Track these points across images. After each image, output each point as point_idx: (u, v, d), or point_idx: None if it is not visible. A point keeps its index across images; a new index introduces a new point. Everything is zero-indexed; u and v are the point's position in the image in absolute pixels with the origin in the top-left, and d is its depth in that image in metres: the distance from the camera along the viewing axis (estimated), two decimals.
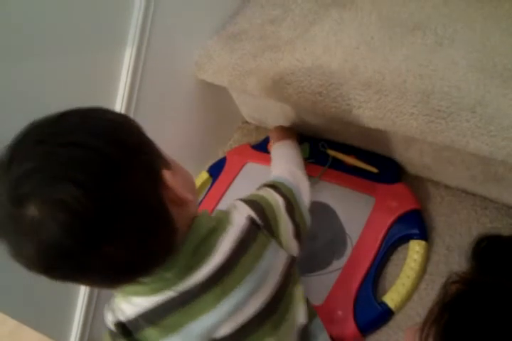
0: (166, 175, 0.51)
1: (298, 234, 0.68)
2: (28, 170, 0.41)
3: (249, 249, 0.60)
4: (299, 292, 0.68)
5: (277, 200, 0.68)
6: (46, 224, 0.39)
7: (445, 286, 0.37)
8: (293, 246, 0.67)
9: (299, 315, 0.68)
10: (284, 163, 0.87)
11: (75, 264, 0.42)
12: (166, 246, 0.51)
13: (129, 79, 0.88)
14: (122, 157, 0.45)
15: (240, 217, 0.62)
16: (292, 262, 0.66)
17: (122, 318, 0.59)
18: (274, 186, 0.73)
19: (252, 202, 0.66)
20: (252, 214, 0.63)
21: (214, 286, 0.56)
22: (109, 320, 0.60)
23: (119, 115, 0.57)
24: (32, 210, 0.39)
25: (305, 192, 0.76)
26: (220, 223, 0.60)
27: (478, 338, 0.32)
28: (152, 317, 0.57)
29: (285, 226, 0.66)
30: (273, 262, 0.63)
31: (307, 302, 0.71)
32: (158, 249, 0.50)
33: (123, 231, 0.43)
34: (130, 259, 0.46)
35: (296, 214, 0.69)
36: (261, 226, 0.62)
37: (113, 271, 0.46)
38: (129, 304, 0.58)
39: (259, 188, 0.75)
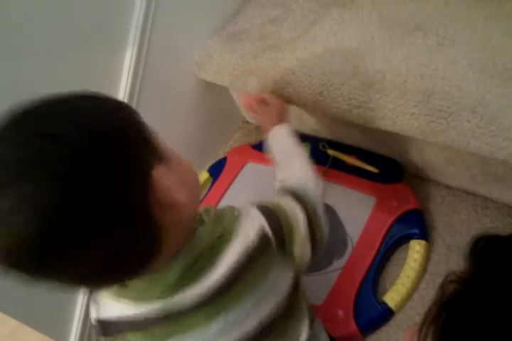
0: (159, 172, 0.45)
1: (315, 251, 0.60)
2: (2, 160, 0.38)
3: (255, 266, 0.52)
4: (303, 308, 0.63)
5: (297, 216, 0.58)
6: (15, 217, 0.37)
7: (443, 286, 0.37)
8: (305, 263, 0.60)
9: (302, 331, 0.62)
10: (299, 162, 0.75)
11: (41, 261, 0.39)
12: (143, 257, 0.45)
13: (129, 79, 0.88)
14: (100, 152, 0.40)
15: (251, 227, 0.53)
16: (299, 281, 0.60)
17: (104, 316, 0.54)
18: (296, 195, 0.63)
19: (268, 212, 0.56)
20: (266, 226, 0.54)
21: (207, 306, 0.50)
22: (92, 313, 0.56)
23: (112, 102, 0.51)
24: (3, 201, 0.37)
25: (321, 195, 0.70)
26: (226, 233, 0.53)
27: (476, 337, 0.32)
28: (135, 324, 0.52)
29: (301, 245, 0.58)
30: (278, 282, 0.56)
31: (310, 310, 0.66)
32: (132, 259, 0.44)
33: (90, 233, 0.39)
34: (96, 265, 0.41)
35: (317, 231, 0.60)
36: (272, 242, 0.54)
37: (79, 275, 0.42)
38: (114, 303, 0.53)
39: (278, 192, 0.66)
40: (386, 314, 0.82)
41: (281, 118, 0.83)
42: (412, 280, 0.84)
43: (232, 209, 0.57)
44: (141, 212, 0.42)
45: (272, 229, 0.54)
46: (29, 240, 0.37)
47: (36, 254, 0.38)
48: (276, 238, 0.54)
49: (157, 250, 0.45)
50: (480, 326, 0.32)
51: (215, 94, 1.14)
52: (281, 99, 0.86)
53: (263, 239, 0.53)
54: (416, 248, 0.86)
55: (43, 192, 0.37)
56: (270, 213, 0.56)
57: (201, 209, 0.57)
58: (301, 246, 0.57)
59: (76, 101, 0.47)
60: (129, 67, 0.87)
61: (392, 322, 0.83)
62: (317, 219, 0.61)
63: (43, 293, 0.83)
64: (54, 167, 0.38)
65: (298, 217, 0.58)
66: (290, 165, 0.74)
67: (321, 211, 0.64)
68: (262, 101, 0.85)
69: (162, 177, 0.44)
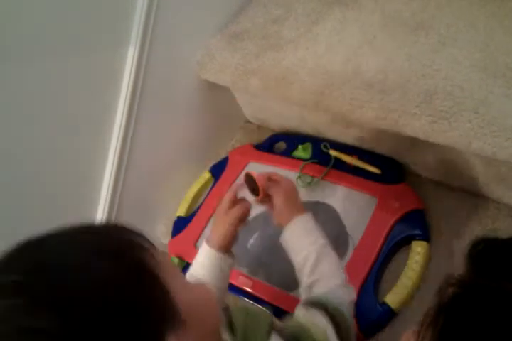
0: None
1: None
2: None
3: None
4: None
5: (325, 329, 0.57)
6: None
7: (441, 289, 0.37)
8: None
9: None
10: (327, 266, 0.68)
11: None
12: None
13: (131, 79, 0.88)
14: (101, 328, 0.33)
15: None
16: None
17: None
18: (327, 311, 0.60)
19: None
20: None
21: None
22: None
23: (113, 263, 0.37)
24: None
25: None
26: None
27: None
28: None
29: None
30: None
31: None
32: None
33: None
34: None
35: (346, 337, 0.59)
36: None
37: None
38: None
39: (307, 305, 0.63)
40: (387, 315, 0.82)
41: (295, 199, 0.76)
42: (413, 281, 0.83)
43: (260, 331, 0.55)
44: None
45: None
46: None
47: None
48: None
49: None
50: (478, 329, 0.32)
51: (216, 94, 1.14)
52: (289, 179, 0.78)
53: None
54: (417, 249, 0.86)
55: None
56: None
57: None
58: None
59: (75, 262, 0.36)
60: (131, 67, 0.87)
61: (393, 323, 0.83)
62: (348, 328, 0.60)
63: None
64: None
65: (325, 331, 0.57)
66: (317, 268, 0.68)
67: (351, 322, 0.62)
68: (270, 180, 0.77)
69: None
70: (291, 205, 0.74)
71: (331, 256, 0.70)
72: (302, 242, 0.71)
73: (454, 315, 0.34)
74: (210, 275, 0.71)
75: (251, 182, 0.77)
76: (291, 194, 0.75)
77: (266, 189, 0.75)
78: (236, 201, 0.76)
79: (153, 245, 0.41)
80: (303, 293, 0.69)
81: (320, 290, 0.65)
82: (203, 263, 0.73)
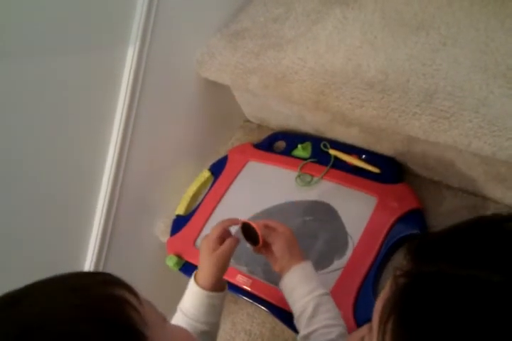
0: None
1: None
2: None
3: None
4: None
5: None
6: None
7: (392, 282, 0.38)
8: None
9: None
10: (325, 319, 0.68)
11: None
12: None
13: (131, 77, 0.88)
14: None
15: None
16: None
17: None
18: None
19: None
20: None
21: None
22: None
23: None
24: None
25: None
26: None
27: (435, 326, 0.33)
28: None
29: None
30: None
31: None
32: None
33: None
34: None
35: None
36: None
37: None
38: None
39: None
40: None
41: (294, 246, 0.75)
42: None
43: None
44: None
45: None
46: None
47: None
48: None
49: None
50: (435, 314, 0.33)
51: (216, 93, 1.14)
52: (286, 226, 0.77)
53: None
54: None
55: None
56: None
57: None
58: None
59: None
60: (131, 65, 0.87)
61: None
62: None
63: None
64: None
65: None
66: (314, 319, 0.68)
67: None
68: (266, 227, 0.76)
69: None
70: (291, 252, 0.73)
71: (329, 307, 0.69)
72: (300, 291, 0.70)
73: (411, 301, 0.35)
74: (202, 314, 0.69)
75: (249, 231, 0.75)
76: (291, 241, 0.74)
77: (264, 237, 0.74)
78: (225, 238, 0.74)
79: (137, 295, 0.41)
80: None
81: None
82: (194, 303, 0.70)
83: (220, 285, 0.73)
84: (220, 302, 0.72)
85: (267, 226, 0.76)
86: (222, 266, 0.72)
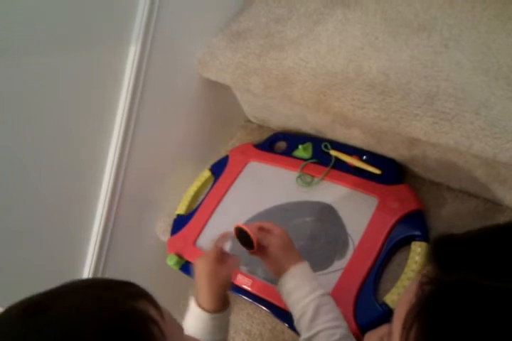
0: None
1: None
2: None
3: None
4: None
5: None
6: None
7: (417, 289, 0.37)
8: None
9: None
10: (324, 322, 0.67)
11: None
12: None
13: (132, 77, 0.88)
14: None
15: None
16: None
17: None
18: None
19: None
20: None
21: None
22: None
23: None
24: None
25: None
26: None
27: (459, 337, 0.32)
28: None
29: None
30: None
31: None
32: None
33: None
34: None
35: None
36: None
37: None
38: None
39: None
40: (386, 315, 0.82)
41: (291, 247, 0.74)
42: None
43: None
44: None
45: None
46: None
47: None
48: None
49: None
50: (461, 325, 0.32)
51: (217, 93, 1.14)
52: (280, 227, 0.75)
53: None
54: (417, 250, 0.86)
55: None
56: None
57: None
58: None
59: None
60: (132, 65, 0.87)
61: None
62: None
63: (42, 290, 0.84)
64: None
65: None
66: (315, 322, 0.67)
67: None
68: (260, 229, 0.74)
69: None
70: (287, 254, 0.72)
71: (330, 307, 0.68)
72: (299, 293, 0.69)
73: (436, 311, 0.35)
74: (207, 335, 0.67)
75: (242, 235, 0.73)
76: (287, 242, 0.73)
77: (259, 240, 0.72)
78: (223, 258, 0.72)
79: (159, 308, 0.41)
80: None
81: None
82: (197, 327, 0.67)
83: (225, 303, 0.70)
84: (227, 319, 0.70)
85: (261, 229, 0.74)
86: (227, 289, 0.70)
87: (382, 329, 0.44)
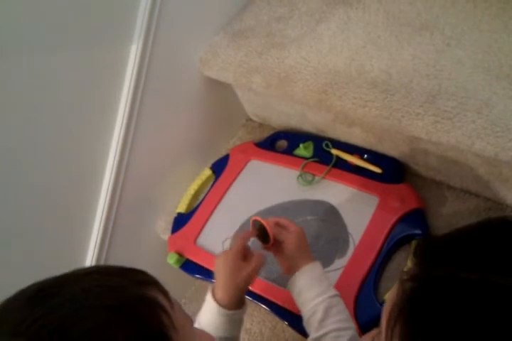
0: None
1: None
2: None
3: None
4: None
5: None
6: None
7: (399, 286, 0.38)
8: None
9: None
10: (335, 322, 0.67)
11: None
12: None
13: (134, 75, 0.88)
14: None
15: None
16: None
17: None
18: None
19: None
20: None
21: None
22: None
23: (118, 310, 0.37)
24: None
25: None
26: None
27: (444, 332, 0.33)
28: None
29: None
30: None
31: None
32: None
33: None
34: None
35: None
36: None
37: None
38: None
39: None
40: None
41: (305, 246, 0.73)
42: None
43: None
44: None
45: None
46: None
47: None
48: None
49: None
50: (441, 319, 0.33)
51: (219, 91, 1.14)
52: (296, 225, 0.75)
53: None
54: None
55: None
56: None
57: None
58: None
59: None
60: (134, 63, 0.87)
61: None
62: None
63: None
64: None
65: None
66: (324, 322, 0.66)
67: None
68: (278, 225, 0.74)
69: None
70: (301, 252, 0.72)
71: (339, 309, 0.68)
72: (310, 293, 0.68)
73: (417, 306, 0.35)
74: (223, 330, 0.67)
75: (259, 228, 0.74)
76: (302, 240, 0.73)
77: (275, 235, 0.72)
78: (247, 254, 0.71)
79: (168, 297, 0.41)
80: None
81: None
82: (214, 321, 0.66)
83: (241, 302, 0.69)
84: (242, 316, 0.70)
85: (277, 224, 0.74)
86: (245, 288, 0.69)
87: (374, 331, 0.44)
